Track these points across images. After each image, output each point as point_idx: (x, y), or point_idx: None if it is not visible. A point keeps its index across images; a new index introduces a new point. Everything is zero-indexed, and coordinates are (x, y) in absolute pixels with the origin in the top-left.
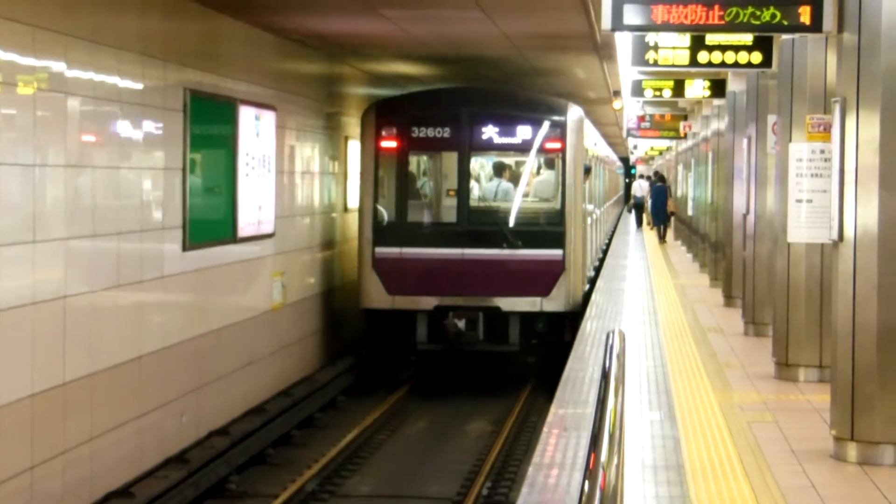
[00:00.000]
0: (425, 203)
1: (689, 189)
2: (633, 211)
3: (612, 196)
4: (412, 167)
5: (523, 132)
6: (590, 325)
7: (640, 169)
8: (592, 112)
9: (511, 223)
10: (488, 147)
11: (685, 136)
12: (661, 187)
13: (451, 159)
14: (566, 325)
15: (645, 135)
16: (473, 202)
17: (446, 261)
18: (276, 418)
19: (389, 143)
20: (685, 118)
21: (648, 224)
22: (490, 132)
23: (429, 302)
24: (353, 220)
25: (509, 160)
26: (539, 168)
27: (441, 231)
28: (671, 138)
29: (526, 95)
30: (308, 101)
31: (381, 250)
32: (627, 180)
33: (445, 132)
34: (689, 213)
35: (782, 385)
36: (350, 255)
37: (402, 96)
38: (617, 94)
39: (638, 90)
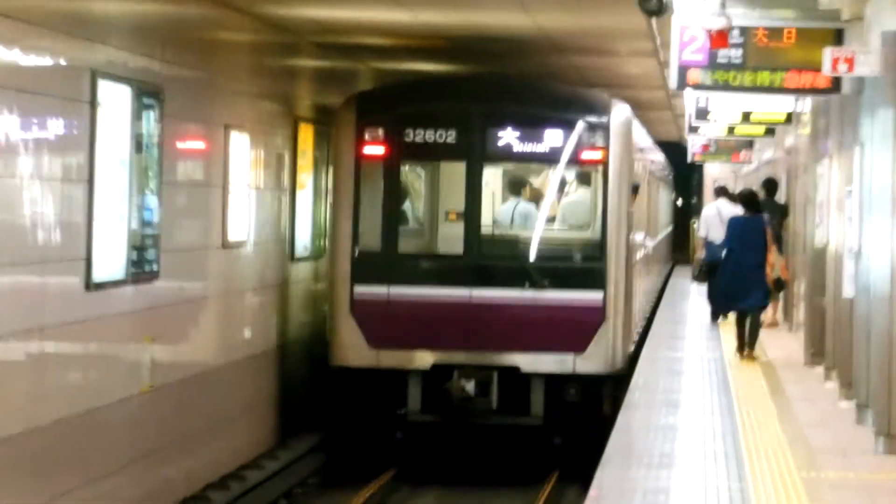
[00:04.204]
0: (421, 228)
1: (850, 229)
2: (705, 278)
3: (659, 231)
4: (404, 181)
5: (552, 137)
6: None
7: (717, 176)
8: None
9: (533, 257)
10: (506, 156)
11: (836, 87)
12: (750, 222)
13: (456, 171)
14: (606, 393)
15: (727, 83)
16: (485, 228)
17: (448, 304)
18: None
19: (375, 150)
20: (838, 37)
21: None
22: (509, 136)
23: (425, 359)
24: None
25: (533, 173)
26: (571, 184)
27: (442, 265)
28: (802, 93)
29: (555, 88)
30: None
31: (362, 290)
32: (679, 200)
33: (450, 136)
34: (847, 291)
35: None
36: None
37: (392, 86)
38: None
39: None
